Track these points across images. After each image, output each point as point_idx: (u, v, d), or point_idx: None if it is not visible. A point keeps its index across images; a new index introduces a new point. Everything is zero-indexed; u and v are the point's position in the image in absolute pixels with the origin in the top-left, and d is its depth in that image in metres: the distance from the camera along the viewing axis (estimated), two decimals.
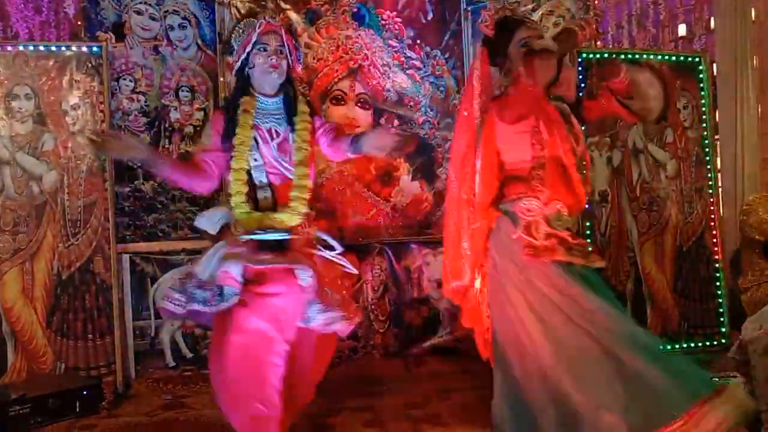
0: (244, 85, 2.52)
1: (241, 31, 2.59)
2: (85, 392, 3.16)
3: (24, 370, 3.38)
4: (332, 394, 3.23)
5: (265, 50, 2.47)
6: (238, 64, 2.51)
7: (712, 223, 4.07)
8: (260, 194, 2.46)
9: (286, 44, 2.49)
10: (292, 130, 2.50)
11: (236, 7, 3.70)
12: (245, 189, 2.43)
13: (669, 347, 3.92)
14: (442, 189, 3.78)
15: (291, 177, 2.45)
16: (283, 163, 2.45)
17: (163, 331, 3.68)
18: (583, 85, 3.93)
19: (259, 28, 2.47)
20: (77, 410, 3.12)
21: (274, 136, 2.48)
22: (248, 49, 2.47)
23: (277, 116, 2.53)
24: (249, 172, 2.44)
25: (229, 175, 2.45)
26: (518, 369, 2.26)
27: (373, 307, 3.85)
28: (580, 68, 3.92)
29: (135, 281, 3.66)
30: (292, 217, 2.42)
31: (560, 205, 2.37)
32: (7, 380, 3.34)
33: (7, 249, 3.38)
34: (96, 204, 3.49)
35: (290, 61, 2.53)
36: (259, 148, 2.44)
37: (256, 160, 2.44)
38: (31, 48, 3.51)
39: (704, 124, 4.09)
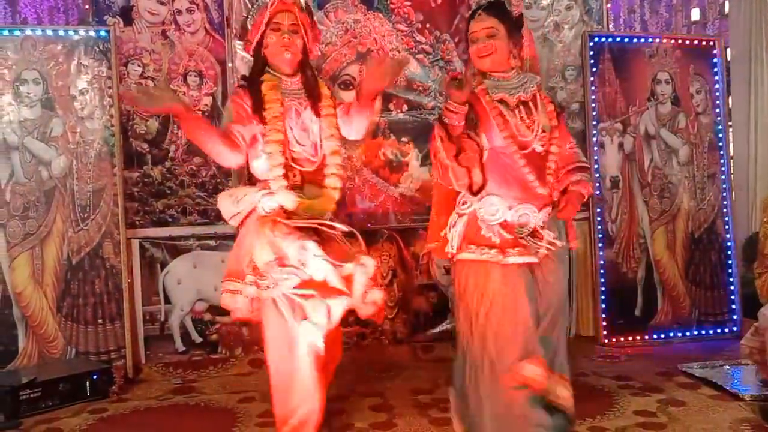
0: (261, 65, 2.49)
1: (255, 10, 2.55)
2: (95, 376, 3.19)
3: (35, 355, 3.40)
4: (341, 379, 3.23)
5: (278, 29, 2.43)
6: (254, 44, 2.47)
7: (725, 210, 4.03)
8: (289, 173, 2.41)
9: (300, 23, 2.44)
10: (317, 115, 2.47)
11: None
12: (283, 161, 2.38)
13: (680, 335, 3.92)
14: None
15: (314, 159, 2.44)
16: (305, 143, 2.43)
17: (173, 316, 3.69)
18: (594, 69, 3.89)
19: (271, 7, 2.42)
20: (87, 394, 3.15)
21: (295, 116, 2.45)
22: (262, 28, 2.44)
23: (297, 95, 2.49)
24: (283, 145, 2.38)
25: (259, 152, 2.39)
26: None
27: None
28: (592, 52, 3.87)
29: (144, 266, 3.66)
30: (329, 200, 2.44)
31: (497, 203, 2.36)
32: (18, 364, 3.36)
33: (17, 234, 3.39)
34: (105, 189, 3.49)
35: (306, 40, 2.49)
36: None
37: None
38: (40, 33, 3.50)
39: (717, 110, 4.04)
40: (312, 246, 2.33)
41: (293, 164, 2.43)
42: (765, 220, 2.95)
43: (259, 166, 2.46)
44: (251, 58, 2.57)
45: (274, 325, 2.35)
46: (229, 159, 2.39)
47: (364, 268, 2.41)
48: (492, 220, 2.33)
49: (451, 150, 2.30)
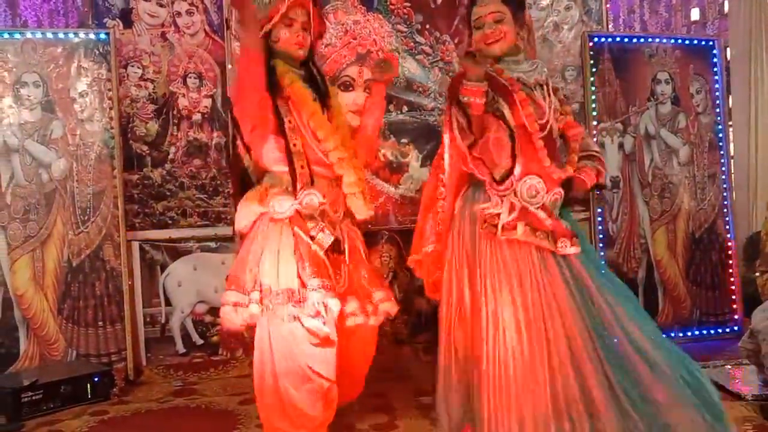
0: (269, 55, 2.38)
1: (266, 0, 2.47)
2: (96, 379, 3.19)
3: (36, 357, 3.40)
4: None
5: (291, 25, 2.38)
6: (261, 34, 2.35)
7: (725, 210, 4.03)
8: (297, 163, 2.34)
9: (311, 19, 2.40)
10: (328, 109, 2.43)
11: None
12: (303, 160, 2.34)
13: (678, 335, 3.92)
14: None
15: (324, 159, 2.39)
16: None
17: (173, 319, 3.69)
18: (594, 70, 3.89)
19: (288, 0, 2.34)
20: (89, 396, 3.15)
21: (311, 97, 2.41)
22: (274, 20, 2.35)
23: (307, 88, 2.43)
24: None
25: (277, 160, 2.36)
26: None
27: None
28: (591, 52, 3.87)
29: (145, 268, 3.66)
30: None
31: (539, 185, 2.22)
32: (20, 367, 3.36)
33: (17, 236, 3.39)
34: (105, 191, 3.50)
35: (313, 37, 2.45)
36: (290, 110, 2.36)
37: (290, 121, 2.35)
38: (40, 35, 3.50)
39: (717, 109, 4.04)
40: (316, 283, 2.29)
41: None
42: None
43: (268, 153, 2.39)
44: None
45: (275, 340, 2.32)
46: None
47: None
48: (534, 202, 2.22)
49: (467, 139, 2.23)
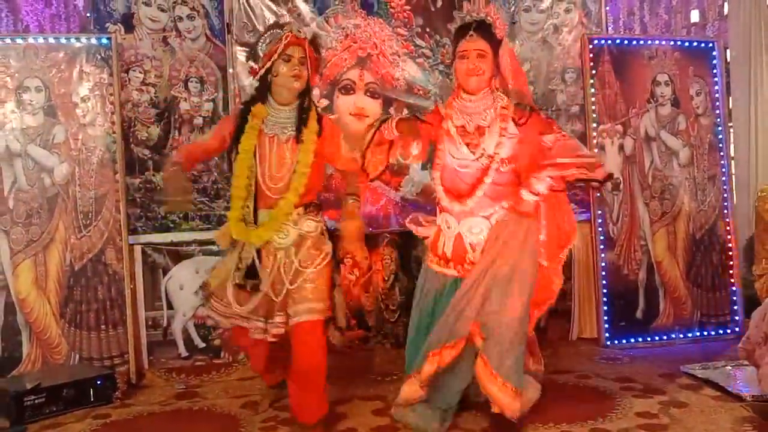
0: (263, 92, 2.70)
1: (267, 40, 2.79)
2: (98, 382, 3.20)
3: (38, 361, 3.41)
4: (343, 383, 3.24)
5: (289, 60, 2.64)
6: (262, 71, 2.68)
7: (725, 211, 4.04)
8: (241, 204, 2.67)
9: (308, 57, 2.66)
10: (298, 140, 2.66)
11: None
12: (244, 194, 2.64)
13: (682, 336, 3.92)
14: None
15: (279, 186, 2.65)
16: (281, 172, 2.65)
17: (176, 322, 3.70)
18: (594, 72, 3.90)
19: (285, 39, 2.64)
20: (91, 400, 3.16)
21: (270, 146, 2.66)
22: (273, 58, 2.64)
23: (283, 124, 2.69)
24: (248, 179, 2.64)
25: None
26: None
27: (383, 297, 3.85)
28: (591, 54, 3.88)
29: (147, 272, 3.68)
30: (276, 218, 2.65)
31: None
32: (23, 370, 3.37)
33: (20, 241, 3.41)
34: (107, 195, 3.51)
35: (310, 72, 2.68)
36: (254, 154, 2.65)
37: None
38: (41, 40, 3.52)
39: (717, 111, 4.05)
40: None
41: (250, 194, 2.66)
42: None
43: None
44: (256, 81, 2.74)
45: None
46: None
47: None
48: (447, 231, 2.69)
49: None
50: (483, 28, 2.61)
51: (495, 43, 2.64)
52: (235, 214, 2.64)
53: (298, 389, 2.68)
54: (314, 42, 2.75)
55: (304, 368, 2.63)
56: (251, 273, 2.63)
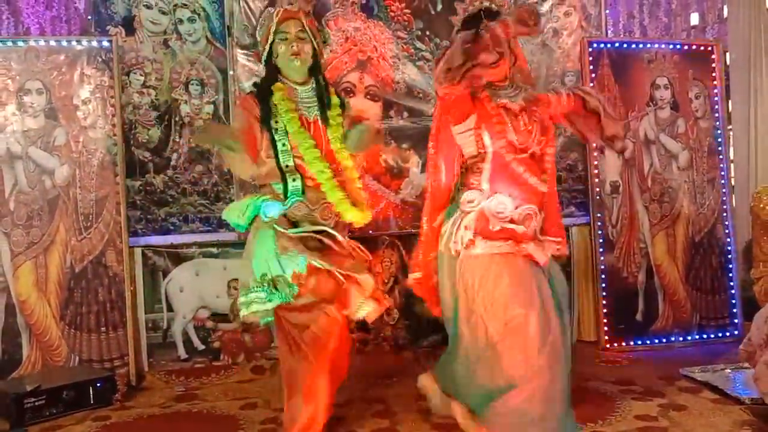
0: (273, 74, 2.55)
1: (263, 22, 2.61)
2: (98, 384, 3.20)
3: (38, 363, 3.41)
4: (343, 385, 3.24)
5: (285, 39, 2.50)
6: (264, 54, 2.54)
7: (725, 214, 4.04)
8: (289, 179, 2.48)
9: (307, 29, 2.51)
10: (326, 123, 2.54)
11: (245, 0, 3.70)
12: (296, 174, 2.47)
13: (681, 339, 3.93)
14: None
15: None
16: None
17: (175, 324, 3.71)
18: (593, 75, 3.91)
19: (277, 16, 2.49)
20: (91, 402, 3.16)
21: (304, 123, 2.51)
22: (270, 39, 2.50)
23: (307, 104, 2.56)
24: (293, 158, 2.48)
25: (263, 162, 2.49)
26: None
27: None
28: (590, 58, 3.89)
29: (147, 274, 3.69)
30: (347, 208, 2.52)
31: (506, 200, 2.39)
32: (23, 372, 3.38)
33: (20, 243, 3.41)
34: (108, 198, 3.52)
35: (315, 45, 2.54)
36: (288, 134, 2.48)
37: (284, 145, 2.47)
38: (42, 43, 3.53)
39: (716, 114, 4.05)
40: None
41: (297, 170, 2.50)
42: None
43: (261, 173, 2.54)
44: (255, 67, 2.64)
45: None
46: (248, 171, 2.53)
47: (360, 288, 2.52)
48: (502, 215, 2.38)
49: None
50: (496, 17, 2.46)
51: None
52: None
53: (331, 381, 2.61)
54: (313, 12, 2.60)
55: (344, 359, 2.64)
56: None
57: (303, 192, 2.49)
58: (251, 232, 2.53)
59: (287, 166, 2.47)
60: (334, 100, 2.60)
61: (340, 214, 2.56)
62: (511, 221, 2.39)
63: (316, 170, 2.48)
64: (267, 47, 2.53)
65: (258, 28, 2.77)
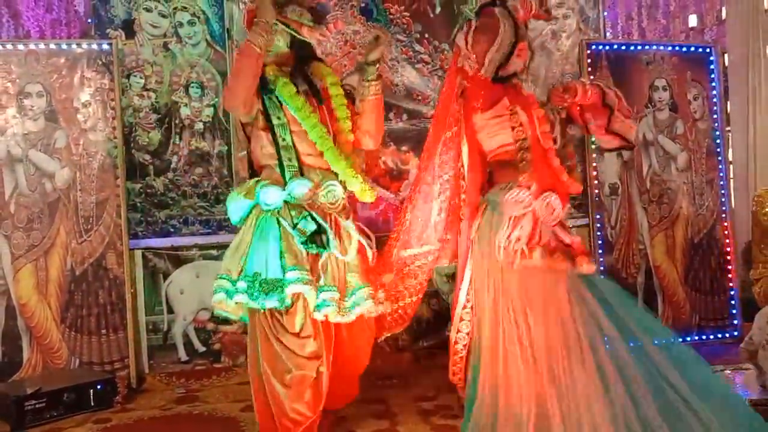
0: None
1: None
2: (99, 386, 3.21)
3: (39, 365, 3.42)
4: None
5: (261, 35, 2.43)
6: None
7: (724, 215, 4.05)
8: (284, 156, 2.41)
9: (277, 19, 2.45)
10: (318, 97, 2.51)
11: (245, 2, 3.72)
12: (292, 153, 2.41)
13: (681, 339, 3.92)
14: None
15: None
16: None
17: (176, 326, 3.71)
18: (592, 77, 3.92)
19: (246, 16, 2.51)
20: (92, 404, 3.17)
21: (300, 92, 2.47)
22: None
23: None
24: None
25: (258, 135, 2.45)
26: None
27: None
28: (589, 60, 3.90)
29: (147, 276, 3.69)
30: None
31: (556, 202, 2.19)
32: (23, 375, 3.38)
33: (21, 245, 3.42)
34: (108, 200, 3.52)
35: (294, 29, 2.47)
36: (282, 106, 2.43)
37: (279, 119, 2.42)
38: (43, 46, 3.54)
39: (715, 116, 4.06)
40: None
41: (295, 148, 2.45)
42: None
43: (257, 149, 2.50)
44: None
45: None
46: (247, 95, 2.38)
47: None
48: (551, 220, 2.19)
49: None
50: (511, 11, 2.41)
51: (524, 28, 2.44)
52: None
53: (339, 379, 2.56)
54: None
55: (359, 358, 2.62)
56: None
57: (302, 173, 2.42)
58: (249, 219, 2.46)
59: (284, 140, 2.40)
60: (326, 71, 2.57)
61: (345, 187, 2.47)
62: (561, 224, 2.20)
63: (317, 136, 2.40)
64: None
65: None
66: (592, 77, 3.90)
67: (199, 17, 3.76)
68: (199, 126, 3.75)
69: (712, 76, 4.08)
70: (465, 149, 2.34)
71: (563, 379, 2.05)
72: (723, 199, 4.06)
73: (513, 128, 2.25)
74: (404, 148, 3.89)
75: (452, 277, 2.83)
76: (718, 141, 4.06)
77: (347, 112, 2.54)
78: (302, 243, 2.35)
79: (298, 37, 2.47)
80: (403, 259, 2.51)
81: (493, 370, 2.16)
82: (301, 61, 2.56)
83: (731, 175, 4.32)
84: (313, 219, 2.37)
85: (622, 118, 2.40)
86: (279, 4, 2.43)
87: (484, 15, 2.36)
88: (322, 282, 2.39)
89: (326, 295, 2.36)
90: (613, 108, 2.39)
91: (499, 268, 2.21)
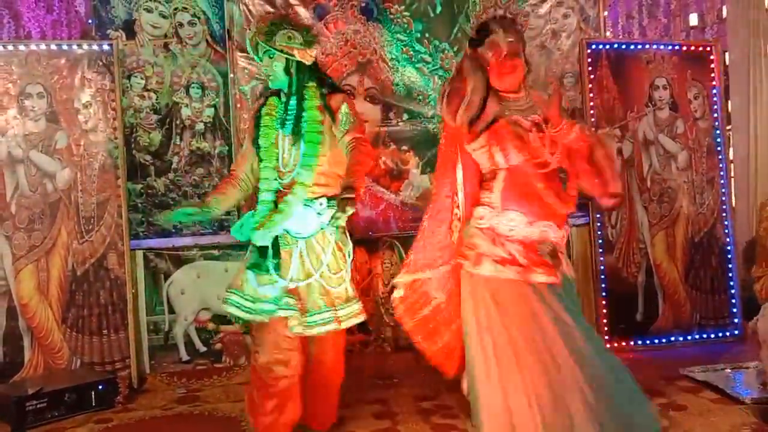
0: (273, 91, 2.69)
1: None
2: (100, 387, 3.22)
3: (40, 366, 3.43)
4: (343, 386, 3.25)
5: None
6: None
7: (724, 214, 4.05)
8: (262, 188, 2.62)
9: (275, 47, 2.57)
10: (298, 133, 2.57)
11: (245, 3, 3.72)
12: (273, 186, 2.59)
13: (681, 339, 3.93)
14: None
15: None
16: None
17: (177, 326, 3.72)
18: (592, 76, 3.92)
19: (252, 44, 2.64)
20: (93, 404, 3.18)
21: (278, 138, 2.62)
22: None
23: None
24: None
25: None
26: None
27: (383, 300, 3.87)
28: (589, 59, 3.90)
29: (148, 277, 3.70)
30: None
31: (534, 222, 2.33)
32: (25, 375, 3.39)
33: (22, 246, 3.43)
34: (109, 201, 3.53)
35: (294, 52, 2.58)
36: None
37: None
38: (43, 47, 3.55)
39: (715, 114, 4.06)
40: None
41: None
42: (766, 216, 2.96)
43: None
44: (256, 70, 2.74)
45: None
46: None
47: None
48: (510, 235, 2.32)
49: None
50: (512, 25, 2.48)
51: (523, 42, 2.49)
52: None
53: (316, 397, 2.68)
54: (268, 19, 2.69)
55: (331, 374, 2.70)
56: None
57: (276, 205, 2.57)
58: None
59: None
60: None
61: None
62: (521, 242, 2.31)
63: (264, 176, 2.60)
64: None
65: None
66: (592, 76, 3.90)
67: (199, 18, 3.77)
68: (200, 126, 3.76)
69: (713, 74, 4.08)
70: (459, 167, 2.44)
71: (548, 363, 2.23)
72: (723, 198, 4.06)
73: (490, 158, 2.36)
74: (404, 147, 3.89)
75: None
76: (718, 140, 4.06)
77: (317, 149, 2.57)
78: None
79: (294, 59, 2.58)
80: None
81: (490, 380, 2.28)
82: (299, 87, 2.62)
83: (732, 174, 4.32)
84: (274, 244, 2.54)
85: (614, 180, 2.41)
86: (270, 32, 2.54)
87: (460, 65, 2.44)
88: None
89: (289, 301, 2.53)
90: (602, 169, 2.38)
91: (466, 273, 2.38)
